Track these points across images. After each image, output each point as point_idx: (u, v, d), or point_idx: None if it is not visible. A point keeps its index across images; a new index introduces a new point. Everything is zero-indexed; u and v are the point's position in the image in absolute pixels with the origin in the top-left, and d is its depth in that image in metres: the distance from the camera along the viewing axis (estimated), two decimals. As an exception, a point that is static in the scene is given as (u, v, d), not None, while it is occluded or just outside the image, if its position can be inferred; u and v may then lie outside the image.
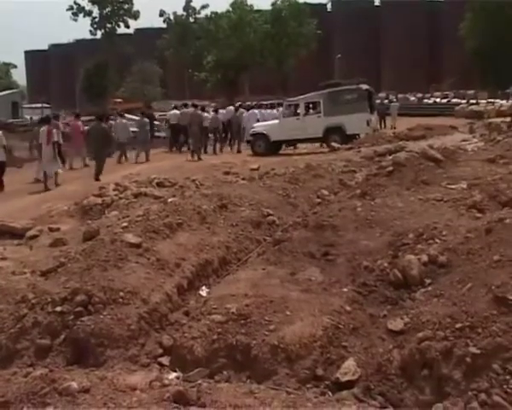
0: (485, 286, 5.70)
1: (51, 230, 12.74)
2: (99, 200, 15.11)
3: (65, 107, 73.66)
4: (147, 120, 32.85)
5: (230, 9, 78.59)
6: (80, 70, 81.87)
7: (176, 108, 36.84)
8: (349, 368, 5.61)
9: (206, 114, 33.96)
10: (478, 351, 5.01)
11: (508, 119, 35.30)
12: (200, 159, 28.90)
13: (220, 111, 36.97)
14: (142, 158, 29.63)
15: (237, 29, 74.77)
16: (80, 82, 79.89)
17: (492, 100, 59.30)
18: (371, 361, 5.69)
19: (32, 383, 5.15)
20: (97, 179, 22.19)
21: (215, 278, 8.80)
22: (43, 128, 22.74)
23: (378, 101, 49.99)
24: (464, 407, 4.75)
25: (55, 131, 23.09)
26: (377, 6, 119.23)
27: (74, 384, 5.07)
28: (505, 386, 4.73)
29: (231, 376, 5.84)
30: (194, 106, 34.32)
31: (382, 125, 45.85)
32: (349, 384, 5.47)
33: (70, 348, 6.63)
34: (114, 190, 16.25)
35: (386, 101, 56.74)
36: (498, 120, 36.04)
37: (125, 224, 10.03)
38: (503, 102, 54.84)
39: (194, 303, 7.70)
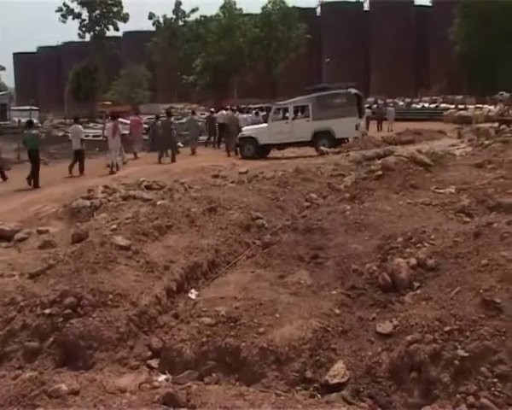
0: (473, 290, 5.73)
1: (40, 232, 12.70)
2: (87, 202, 15.07)
3: (53, 109, 73.65)
4: (196, 117, 39.20)
5: (220, 13, 78.53)
6: (69, 72, 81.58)
7: (224, 109, 40.51)
8: (338, 371, 5.63)
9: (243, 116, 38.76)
10: (466, 354, 5.05)
11: (496, 124, 35.51)
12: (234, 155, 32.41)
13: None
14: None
15: (227, 33, 74.73)
16: (68, 84, 79.59)
17: (480, 105, 59.62)
18: (360, 364, 5.72)
19: (22, 385, 5.14)
20: (173, 161, 28.84)
21: (204, 280, 8.78)
22: (110, 124, 27.82)
23: (375, 106, 50.51)
24: (452, 410, 4.78)
25: (119, 125, 28.03)
26: (366, 11, 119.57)
27: (64, 387, 5.06)
28: (493, 389, 4.78)
29: (221, 378, 5.85)
30: (232, 109, 39.32)
31: (379, 128, 47.83)
32: (338, 387, 5.49)
33: (59, 351, 6.62)
34: (103, 192, 16.22)
35: (375, 106, 57.05)
36: (486, 125, 36.24)
37: (114, 226, 10.04)
38: (491, 107, 55.09)
39: (184, 306, 7.69)
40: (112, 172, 25.08)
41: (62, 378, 5.40)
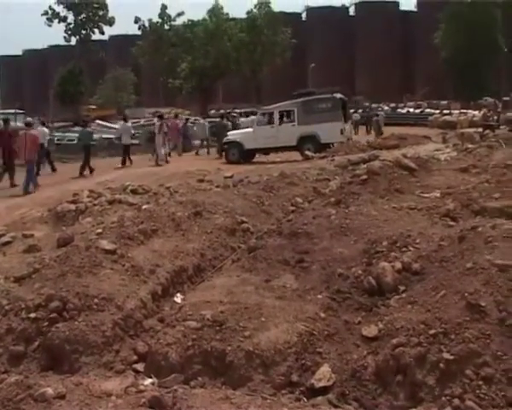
0: (458, 293, 5.76)
1: (25, 236, 12.62)
2: (73, 206, 15.01)
3: (38, 113, 73.27)
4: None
5: (207, 17, 78.43)
6: (54, 76, 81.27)
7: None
8: (324, 374, 5.63)
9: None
10: (451, 357, 5.08)
11: (480, 129, 35.72)
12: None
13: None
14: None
15: (213, 37, 74.63)
16: (54, 88, 79.24)
17: (465, 110, 59.93)
18: (346, 367, 5.73)
19: (7, 389, 5.13)
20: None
21: (190, 284, 8.78)
22: (158, 123, 32.93)
23: (360, 110, 51.07)
24: (438, 413, 4.81)
25: (165, 124, 33.03)
26: (352, 15, 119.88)
27: (50, 390, 5.06)
28: (478, 391, 4.81)
29: (206, 382, 5.84)
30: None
31: (368, 132, 49.82)
32: (324, 390, 5.50)
33: (44, 355, 6.59)
34: (88, 196, 16.17)
35: (360, 111, 57.48)
36: (471, 130, 36.43)
37: (99, 230, 10.01)
38: (476, 112, 55.38)
39: (169, 310, 7.68)
40: (157, 165, 30.10)
41: (48, 382, 5.39)
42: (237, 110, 55.04)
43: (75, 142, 33.69)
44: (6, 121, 25.66)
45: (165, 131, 32.83)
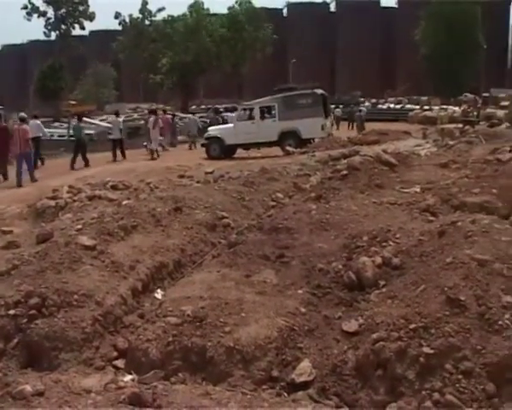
0: (437, 288, 5.78)
1: (4, 232, 12.54)
2: (52, 202, 14.93)
3: (18, 108, 72.73)
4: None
5: (187, 13, 78.15)
6: (34, 71, 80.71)
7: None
8: (304, 369, 5.64)
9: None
10: (431, 351, 5.09)
11: (460, 125, 35.97)
12: None
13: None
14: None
15: (194, 32, 74.34)
16: (34, 83, 78.70)
17: (445, 106, 60.31)
18: (326, 362, 5.74)
19: (-15, 387, 5.09)
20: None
21: (170, 280, 8.74)
22: (151, 118, 34.56)
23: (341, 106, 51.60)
24: (418, 407, 4.82)
25: (159, 120, 35.02)
26: (333, 12, 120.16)
27: (28, 388, 5.01)
28: (458, 385, 4.82)
29: (187, 378, 5.82)
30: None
31: (351, 127, 50.79)
32: (304, 385, 5.50)
33: (23, 352, 6.53)
34: (68, 192, 16.09)
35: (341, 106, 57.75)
36: (451, 126, 36.69)
37: (79, 226, 9.95)
38: (456, 108, 55.73)
39: (149, 306, 7.65)
40: (153, 158, 31.58)
41: (27, 380, 5.34)
42: (218, 106, 55.25)
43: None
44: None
45: (161, 126, 35.01)
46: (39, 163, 28.37)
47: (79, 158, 28.66)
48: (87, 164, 28.48)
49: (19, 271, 8.04)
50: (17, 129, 23.90)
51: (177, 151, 37.25)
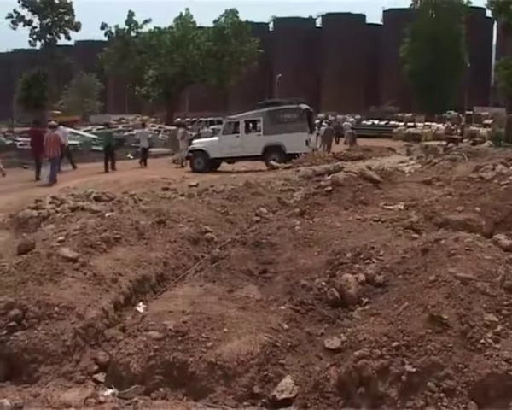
0: (420, 305, 5.78)
1: (-15, 242, 12.44)
2: (35, 213, 14.80)
3: (1, 117, 72.48)
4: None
5: (174, 25, 78.16)
6: (18, 80, 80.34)
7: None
8: (286, 386, 5.61)
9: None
10: (413, 369, 5.09)
11: (444, 142, 36.20)
12: None
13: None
14: None
15: (180, 45, 74.40)
16: (18, 93, 78.34)
17: (429, 123, 60.75)
18: (308, 379, 5.72)
19: (-37, 400, 5.02)
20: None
21: (152, 294, 8.69)
22: (181, 130, 37.82)
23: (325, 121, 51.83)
24: (400, 425, 4.81)
25: (188, 132, 38.91)
26: (319, 27, 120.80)
27: (6, 402, 4.96)
28: (439, 404, 4.83)
29: (168, 393, 5.78)
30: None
31: (337, 142, 50.39)
32: (286, 402, 5.48)
33: (2, 364, 6.46)
34: (51, 203, 15.97)
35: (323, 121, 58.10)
36: (435, 143, 36.93)
37: (61, 238, 9.86)
38: (440, 125, 56.12)
39: (131, 319, 7.59)
40: (182, 166, 34.46)
41: (5, 393, 5.30)
42: (202, 119, 55.21)
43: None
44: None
45: (189, 138, 37.57)
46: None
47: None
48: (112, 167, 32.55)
49: (-1, 281, 7.97)
50: (49, 136, 27.84)
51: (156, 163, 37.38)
